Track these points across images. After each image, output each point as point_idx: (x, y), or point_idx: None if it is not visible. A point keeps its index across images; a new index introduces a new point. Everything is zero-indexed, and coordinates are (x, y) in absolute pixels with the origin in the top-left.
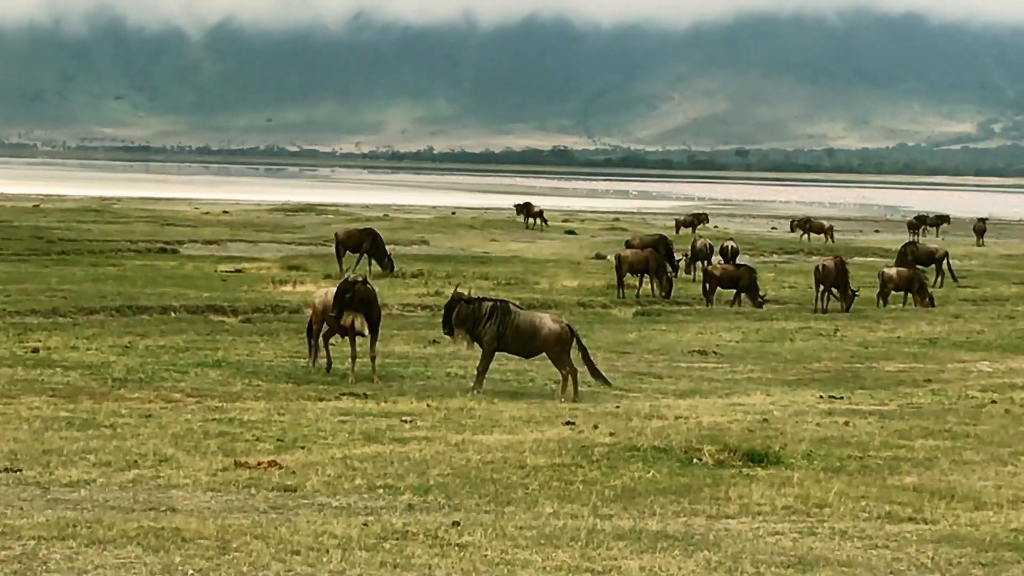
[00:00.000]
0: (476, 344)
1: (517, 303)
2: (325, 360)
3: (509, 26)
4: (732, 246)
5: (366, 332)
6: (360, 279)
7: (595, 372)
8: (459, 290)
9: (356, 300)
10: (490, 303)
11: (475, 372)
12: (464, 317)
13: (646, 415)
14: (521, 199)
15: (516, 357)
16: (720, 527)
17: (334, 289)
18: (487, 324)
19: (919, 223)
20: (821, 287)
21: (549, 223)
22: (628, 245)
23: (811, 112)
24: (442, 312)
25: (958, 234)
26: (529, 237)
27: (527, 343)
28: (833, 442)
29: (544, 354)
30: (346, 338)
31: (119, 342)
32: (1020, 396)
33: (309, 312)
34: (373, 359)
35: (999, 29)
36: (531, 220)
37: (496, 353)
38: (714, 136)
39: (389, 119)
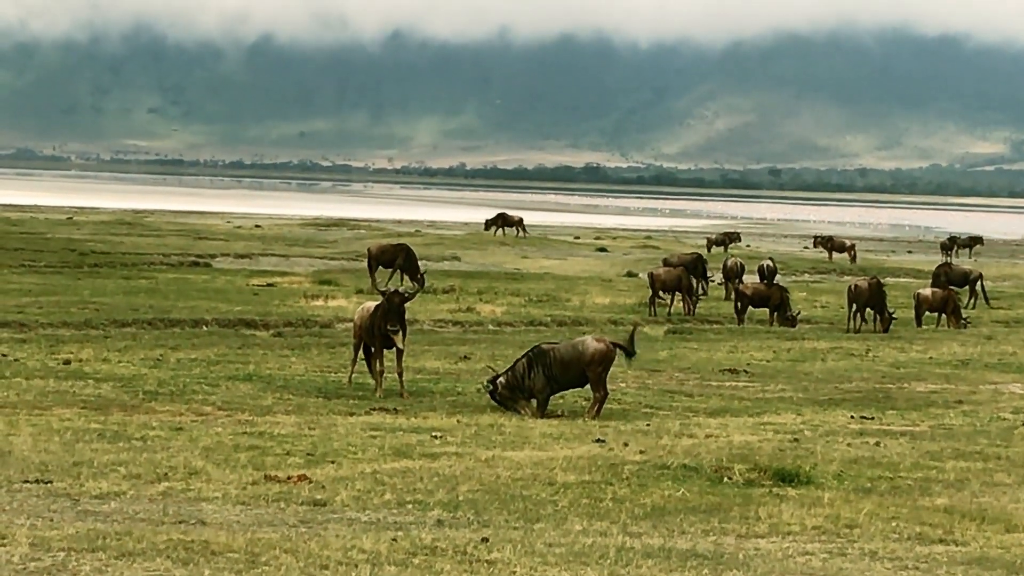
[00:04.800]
0: (534, 401)
1: (547, 342)
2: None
3: (544, 44)
4: (769, 265)
5: (402, 345)
6: (404, 292)
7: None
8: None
9: (400, 313)
10: (523, 359)
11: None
12: (512, 389)
13: (676, 433)
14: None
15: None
16: (750, 547)
17: (371, 304)
18: (532, 376)
19: (952, 244)
20: (854, 307)
21: (528, 233)
22: (665, 263)
23: (844, 132)
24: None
25: (991, 255)
26: (560, 254)
27: (576, 370)
28: (864, 462)
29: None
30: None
31: (151, 355)
32: None
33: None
34: (401, 374)
35: None
36: (506, 230)
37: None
38: (746, 155)
39: (422, 135)
